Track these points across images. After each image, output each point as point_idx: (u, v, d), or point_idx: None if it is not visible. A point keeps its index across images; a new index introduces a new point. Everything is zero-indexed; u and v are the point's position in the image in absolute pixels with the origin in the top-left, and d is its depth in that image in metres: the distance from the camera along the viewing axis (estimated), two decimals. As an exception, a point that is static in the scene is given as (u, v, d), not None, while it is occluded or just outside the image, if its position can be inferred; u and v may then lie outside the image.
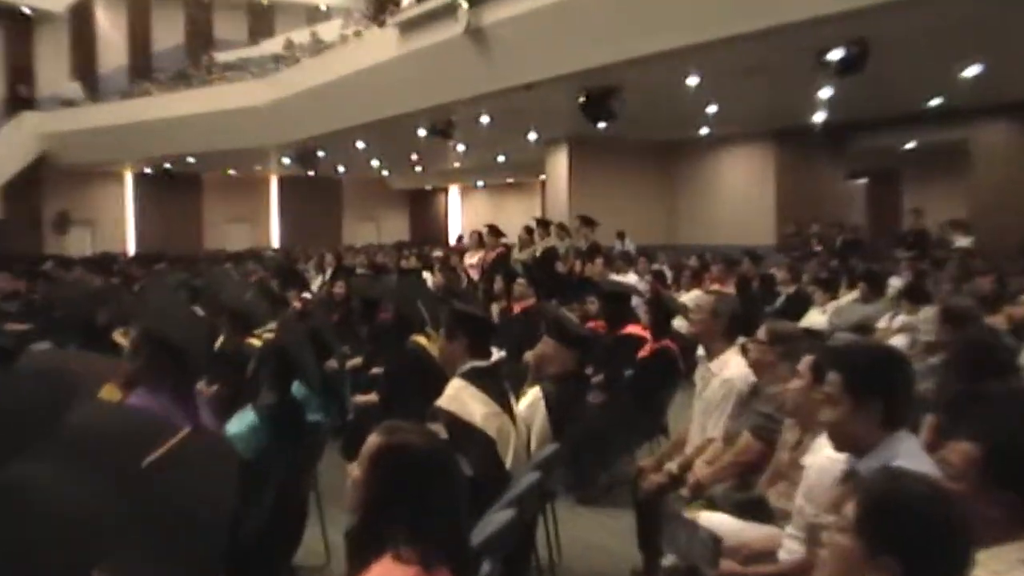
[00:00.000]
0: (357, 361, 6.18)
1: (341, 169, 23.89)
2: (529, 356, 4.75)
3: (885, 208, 18.36)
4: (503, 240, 10.65)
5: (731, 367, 3.73)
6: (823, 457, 2.40)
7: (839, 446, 2.22)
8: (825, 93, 11.72)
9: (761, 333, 3.42)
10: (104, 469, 1.00)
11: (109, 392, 2.95)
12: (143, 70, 23.70)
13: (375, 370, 5.69)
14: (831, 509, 2.01)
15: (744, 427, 3.39)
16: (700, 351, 4.03)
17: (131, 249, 23.30)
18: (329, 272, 11.16)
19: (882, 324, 6.44)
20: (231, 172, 24.79)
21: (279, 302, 6.63)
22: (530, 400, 3.97)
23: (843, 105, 12.69)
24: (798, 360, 2.85)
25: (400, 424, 1.94)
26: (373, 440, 1.88)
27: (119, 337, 4.35)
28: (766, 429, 3.21)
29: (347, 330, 6.87)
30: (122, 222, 24.12)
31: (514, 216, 21.08)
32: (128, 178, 24.20)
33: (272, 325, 5.23)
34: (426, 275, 10.46)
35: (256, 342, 4.85)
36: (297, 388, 3.78)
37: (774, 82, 11.12)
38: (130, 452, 1.04)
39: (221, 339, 5.04)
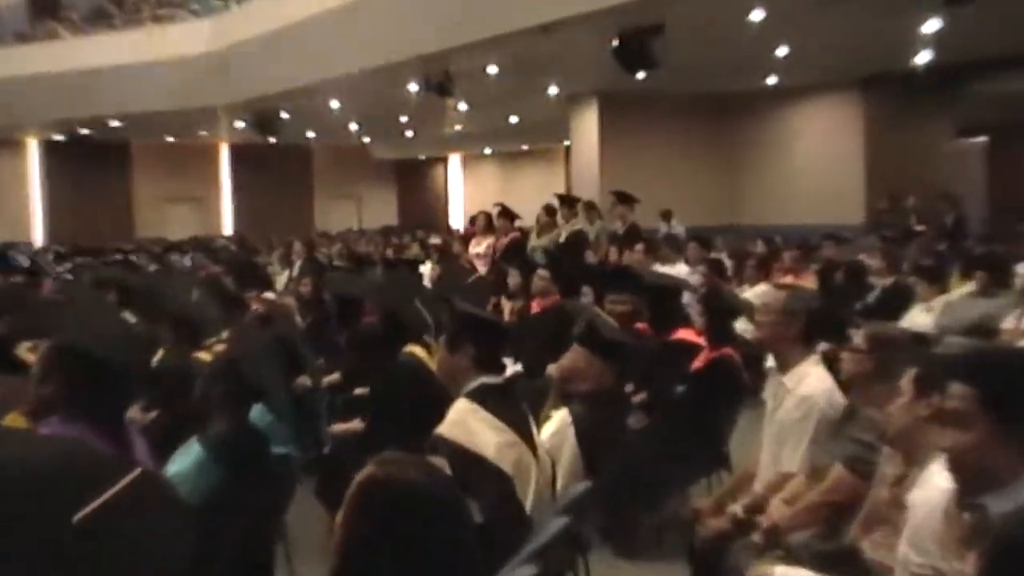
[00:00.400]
0: (335, 378, 6.20)
1: (311, 135, 23.95)
2: (553, 370, 4.74)
3: (1010, 173, 18.20)
4: (518, 223, 10.64)
5: (810, 381, 3.71)
6: (934, 490, 2.37)
7: (964, 479, 2.18)
8: (931, 26, 11.60)
9: (858, 338, 3.39)
10: (24, 527, 0.98)
11: (13, 423, 2.95)
12: (48, 6, 23.57)
13: (359, 390, 5.70)
14: (948, 551, 1.99)
15: (834, 458, 3.36)
16: (770, 361, 4.00)
17: (39, 239, 23.45)
18: (298, 266, 11.18)
19: (1007, 324, 6.39)
20: (169, 139, 24.89)
21: (234, 304, 6.64)
22: (556, 426, 3.97)
23: (954, 41, 12.56)
24: (898, 374, 2.82)
25: (396, 456, 1.93)
26: (361, 474, 1.88)
27: (25, 353, 4.37)
28: (864, 462, 3.18)
29: (322, 338, 6.87)
30: (26, 204, 24.30)
31: (531, 192, 21.07)
32: (32, 147, 24.34)
33: (226, 334, 5.23)
34: (424, 267, 10.49)
35: (206, 356, 4.86)
36: (258, 413, 3.78)
37: (862, 14, 11.04)
38: (58, 503, 1.02)
39: (160, 353, 5.06)
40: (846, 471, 3.28)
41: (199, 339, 5.14)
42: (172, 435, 3.74)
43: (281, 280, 11.06)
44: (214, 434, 3.45)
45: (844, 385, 3.61)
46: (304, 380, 5.93)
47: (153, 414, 4.48)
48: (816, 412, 3.64)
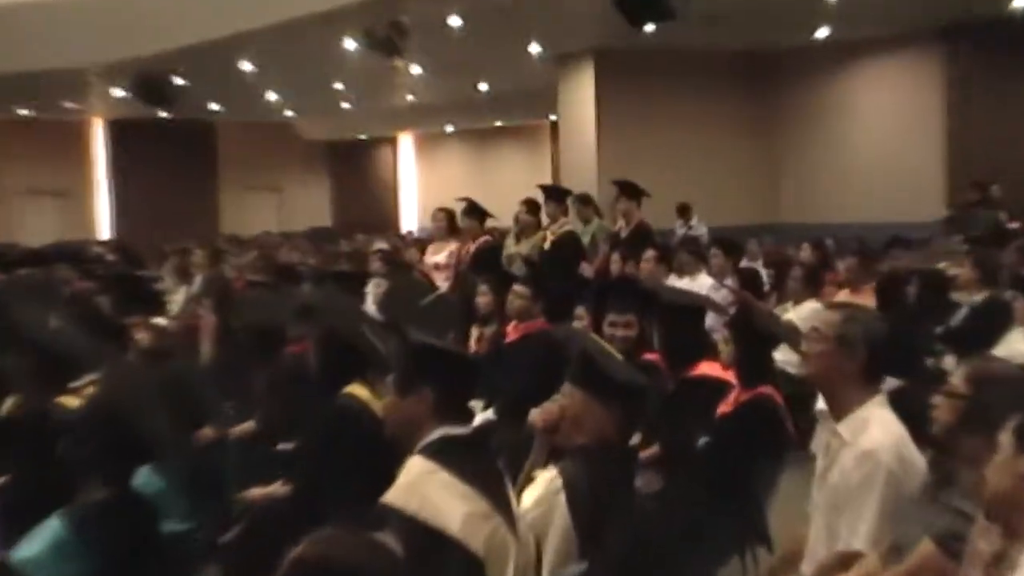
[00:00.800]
0: (250, 427, 6.18)
1: (216, 108, 23.92)
2: (537, 416, 4.73)
3: None
4: (490, 223, 10.65)
5: (873, 431, 3.70)
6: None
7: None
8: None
9: (956, 377, 3.39)
10: None
11: None
12: None
13: (282, 444, 5.68)
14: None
15: (923, 531, 3.36)
16: (820, 404, 4.01)
17: None
18: (198, 281, 11.15)
19: None
20: (22, 112, 24.75)
21: (113, 333, 6.62)
22: (541, 491, 3.95)
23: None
24: (998, 422, 2.82)
25: (333, 532, 1.95)
26: (289, 556, 1.90)
27: None
28: (961, 538, 3.18)
29: (232, 377, 6.84)
30: None
31: (507, 183, 21.15)
32: None
33: (101, 372, 5.19)
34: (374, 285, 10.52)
35: (74, 402, 4.82)
36: (145, 478, 3.75)
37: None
38: None
39: (12, 400, 5.01)
40: (936, 549, 3.27)
41: (64, 379, 5.09)
42: (26, 507, 3.70)
43: (176, 300, 11.03)
44: (82, 506, 3.42)
45: (934, 439, 3.58)
46: (207, 432, 5.90)
47: (1, 480, 4.44)
48: (882, 471, 3.61)
